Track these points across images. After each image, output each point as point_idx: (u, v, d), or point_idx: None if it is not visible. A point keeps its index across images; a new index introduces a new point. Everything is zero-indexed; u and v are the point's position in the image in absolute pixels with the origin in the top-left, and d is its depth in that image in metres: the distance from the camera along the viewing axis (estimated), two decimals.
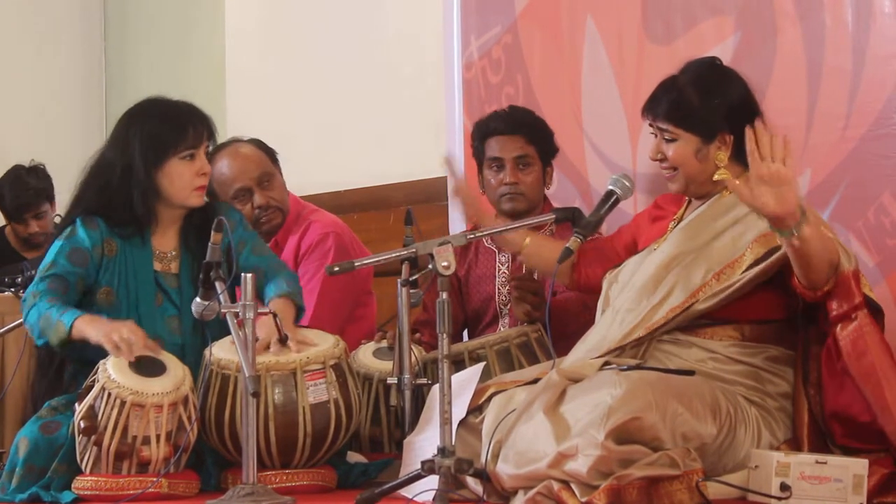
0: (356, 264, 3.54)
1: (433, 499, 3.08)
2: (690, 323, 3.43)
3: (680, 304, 3.41)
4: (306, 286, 4.42)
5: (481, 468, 3.25)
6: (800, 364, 3.38)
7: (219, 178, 4.50)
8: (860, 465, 3.05)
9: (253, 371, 3.30)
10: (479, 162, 4.39)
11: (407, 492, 3.29)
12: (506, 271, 4.36)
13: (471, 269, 4.44)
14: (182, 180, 3.84)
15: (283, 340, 3.70)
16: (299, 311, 3.89)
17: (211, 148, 3.98)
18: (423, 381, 3.79)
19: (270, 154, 4.62)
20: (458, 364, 3.88)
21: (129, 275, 3.86)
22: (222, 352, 3.69)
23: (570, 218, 3.69)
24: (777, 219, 3.10)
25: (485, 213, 4.01)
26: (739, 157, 3.47)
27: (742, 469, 3.22)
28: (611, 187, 3.64)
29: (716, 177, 3.49)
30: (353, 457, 3.94)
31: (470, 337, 4.40)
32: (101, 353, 3.62)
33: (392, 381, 3.76)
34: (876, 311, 3.30)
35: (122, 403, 3.51)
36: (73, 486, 3.56)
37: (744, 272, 3.34)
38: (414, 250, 3.51)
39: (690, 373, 3.33)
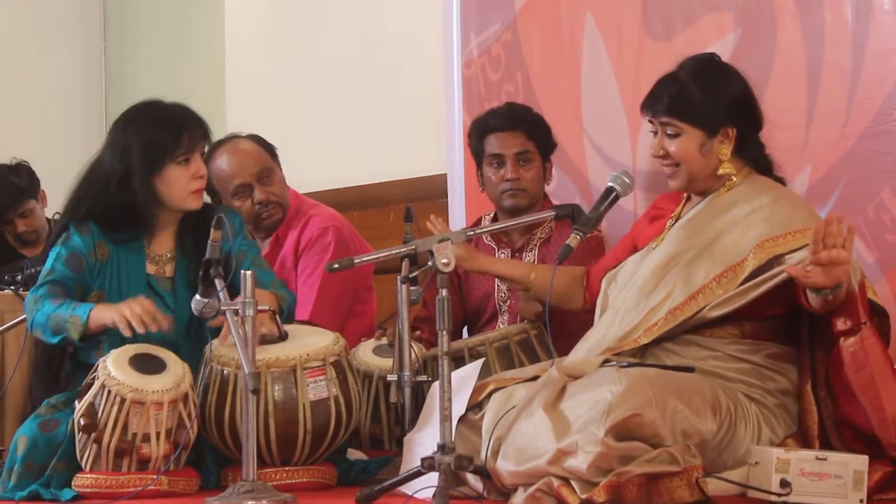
0: (356, 261, 3.54)
1: (433, 496, 3.08)
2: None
3: (680, 304, 3.40)
4: (306, 281, 4.43)
5: (481, 465, 3.25)
6: (807, 365, 3.37)
7: (218, 174, 4.50)
8: (860, 461, 3.04)
9: (253, 368, 3.30)
10: (479, 160, 4.39)
11: (407, 489, 3.30)
12: None
13: None
14: (179, 184, 3.84)
15: (282, 337, 3.70)
16: (282, 313, 3.87)
17: (207, 149, 3.98)
18: (423, 378, 3.79)
19: (270, 149, 4.61)
20: (457, 361, 3.87)
21: (122, 279, 3.86)
22: (222, 349, 3.69)
23: (569, 215, 3.68)
24: (822, 288, 3.13)
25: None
26: (742, 151, 3.47)
27: (742, 465, 3.21)
28: (610, 184, 3.64)
29: (720, 171, 3.49)
30: (354, 454, 3.94)
31: (470, 334, 4.39)
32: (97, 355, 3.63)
33: (392, 378, 3.76)
34: (881, 315, 3.30)
35: (122, 401, 3.51)
36: (72, 483, 3.57)
37: (747, 278, 3.32)
38: (413, 247, 3.51)
39: (690, 369, 3.32)
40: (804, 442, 3.32)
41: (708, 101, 3.46)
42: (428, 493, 3.16)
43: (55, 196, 5.80)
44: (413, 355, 3.78)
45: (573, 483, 3.05)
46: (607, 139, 4.55)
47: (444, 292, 3.23)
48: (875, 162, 3.76)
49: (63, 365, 3.86)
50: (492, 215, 4.47)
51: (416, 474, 3.25)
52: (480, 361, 3.70)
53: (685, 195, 3.63)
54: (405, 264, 3.72)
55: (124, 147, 3.83)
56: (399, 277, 3.71)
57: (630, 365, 3.29)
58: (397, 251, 3.58)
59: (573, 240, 3.53)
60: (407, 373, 3.73)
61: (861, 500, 3.01)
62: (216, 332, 3.71)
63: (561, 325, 3.80)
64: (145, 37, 7.45)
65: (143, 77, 7.28)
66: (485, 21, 4.96)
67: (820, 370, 3.34)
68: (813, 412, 3.32)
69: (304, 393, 3.67)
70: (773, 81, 3.97)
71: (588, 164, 4.60)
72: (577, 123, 4.63)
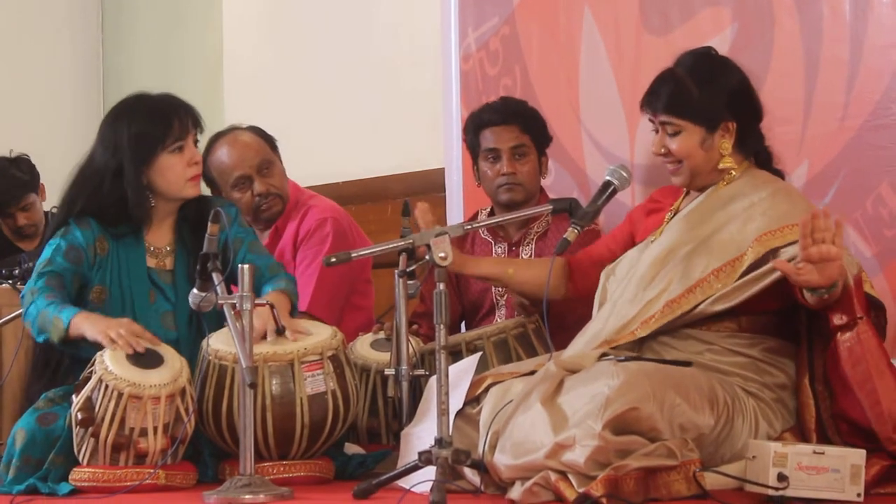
0: (353, 255, 3.54)
1: (430, 490, 3.08)
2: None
3: (677, 297, 3.40)
4: (305, 271, 4.43)
5: (478, 459, 3.24)
6: (805, 359, 3.37)
7: (218, 166, 4.50)
8: (858, 455, 3.04)
9: (250, 362, 3.30)
10: (475, 154, 4.39)
11: (404, 483, 3.29)
12: None
13: None
14: (174, 173, 3.84)
15: (280, 331, 3.70)
16: (293, 309, 3.89)
17: (200, 136, 3.98)
18: (421, 372, 3.78)
19: (270, 141, 4.61)
20: (455, 355, 3.87)
21: (122, 273, 3.86)
22: (219, 343, 3.69)
23: (566, 208, 3.67)
24: (817, 287, 3.12)
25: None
26: (743, 144, 3.47)
27: (739, 459, 3.21)
28: (608, 178, 3.63)
29: (721, 165, 3.48)
30: (351, 448, 3.94)
31: (467, 328, 4.39)
32: (96, 350, 3.63)
33: (389, 372, 3.76)
34: (878, 309, 3.30)
35: (120, 395, 3.51)
36: (70, 477, 3.57)
37: (745, 271, 3.32)
38: (411, 241, 3.51)
39: (688, 363, 3.32)
40: (801, 436, 3.32)
41: (707, 97, 3.46)
42: (425, 487, 3.15)
43: (52, 189, 5.81)
44: (410, 349, 3.78)
45: (570, 477, 3.05)
46: (605, 133, 4.54)
47: (441, 286, 3.23)
48: (873, 156, 3.76)
49: (61, 359, 3.85)
50: (488, 210, 4.47)
51: (414, 468, 3.25)
52: (478, 355, 3.70)
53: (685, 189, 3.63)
54: (403, 258, 3.72)
55: (115, 142, 3.83)
56: (396, 271, 3.71)
57: (628, 359, 3.29)
58: (395, 245, 3.58)
59: (571, 234, 3.52)
60: (404, 367, 3.72)
61: (858, 494, 3.01)
62: (214, 326, 3.71)
63: (559, 319, 3.80)
64: (143, 30, 7.44)
65: (141, 70, 7.28)
66: (483, 15, 4.96)
67: (818, 364, 3.33)
68: (810, 406, 3.32)
69: (301, 387, 3.66)
70: (771, 75, 3.97)
71: (586, 157, 4.60)
72: (575, 117, 4.63)
